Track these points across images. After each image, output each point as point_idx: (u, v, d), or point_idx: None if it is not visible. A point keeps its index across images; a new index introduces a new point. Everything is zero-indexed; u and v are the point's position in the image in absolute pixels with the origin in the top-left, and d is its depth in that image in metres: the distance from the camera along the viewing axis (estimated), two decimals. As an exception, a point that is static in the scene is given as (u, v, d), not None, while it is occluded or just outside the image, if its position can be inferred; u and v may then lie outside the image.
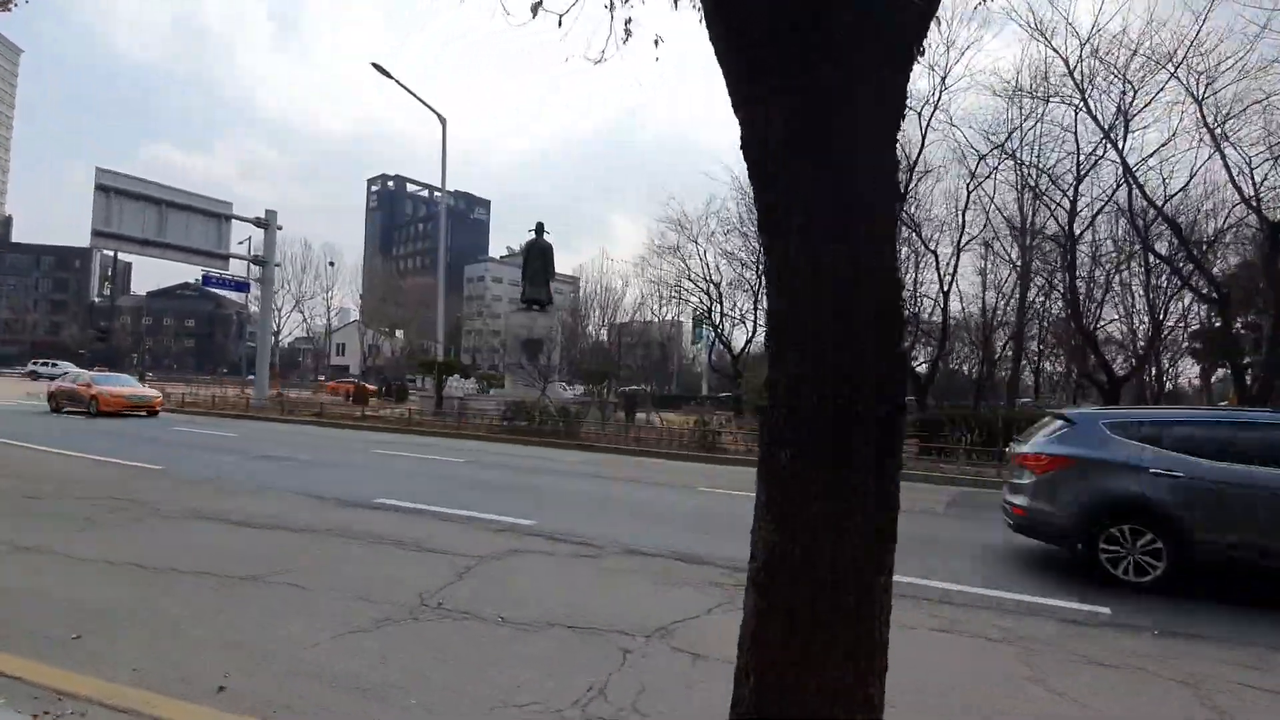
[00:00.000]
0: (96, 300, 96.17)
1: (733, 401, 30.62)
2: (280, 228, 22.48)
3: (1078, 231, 16.27)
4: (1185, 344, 27.69)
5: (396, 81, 19.69)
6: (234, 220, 21.63)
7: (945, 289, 16.65)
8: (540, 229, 31.48)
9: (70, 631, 4.31)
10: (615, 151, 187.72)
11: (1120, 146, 13.97)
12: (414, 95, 20.31)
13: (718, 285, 31.53)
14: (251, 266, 23.93)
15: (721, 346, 31.43)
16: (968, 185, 16.17)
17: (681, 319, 62.65)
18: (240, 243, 25.41)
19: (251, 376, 78.08)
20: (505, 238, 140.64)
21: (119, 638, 4.26)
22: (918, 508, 10.43)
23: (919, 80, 16.52)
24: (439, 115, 20.90)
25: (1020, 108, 16.05)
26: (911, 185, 16.14)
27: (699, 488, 11.36)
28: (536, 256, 31.13)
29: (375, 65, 19.27)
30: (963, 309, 22.08)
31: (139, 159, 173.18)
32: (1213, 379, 34.09)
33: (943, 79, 15.83)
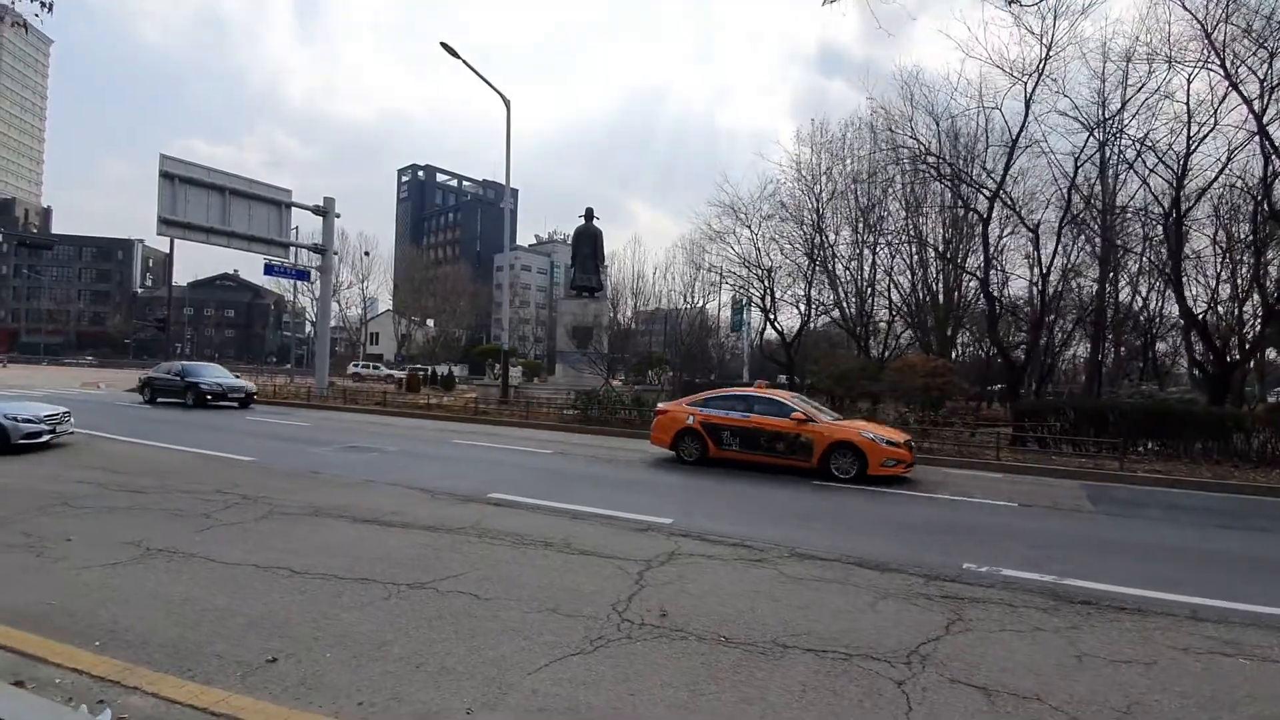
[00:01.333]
0: (139, 291, 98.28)
1: (789, 388, 29.83)
2: (339, 215, 22.23)
3: (1184, 208, 15.12)
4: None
5: (464, 61, 19.15)
6: (293, 208, 21.40)
7: (1045, 270, 15.63)
8: (590, 215, 30.92)
9: (259, 653, 3.85)
10: (630, 137, 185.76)
11: (1263, 117, 12.79)
12: (480, 76, 19.80)
13: (769, 270, 30.59)
14: (308, 254, 23.74)
15: (774, 332, 30.57)
16: (1076, 159, 15.09)
17: (708, 306, 61.82)
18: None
19: (289, 366, 78.94)
20: (530, 225, 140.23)
21: (318, 660, 3.79)
22: (1062, 503, 9.69)
23: (1014, 48, 15.28)
24: (503, 97, 20.36)
25: (1125, 77, 14.85)
26: (1013, 160, 15.08)
27: (812, 480, 10.73)
28: (586, 242, 30.63)
29: (444, 45, 18.75)
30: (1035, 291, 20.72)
31: (169, 151, 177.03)
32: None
33: (1048, 49, 14.64)
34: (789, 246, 29.14)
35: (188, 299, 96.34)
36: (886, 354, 28.12)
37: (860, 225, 27.55)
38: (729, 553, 6.34)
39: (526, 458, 12.66)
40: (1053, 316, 16.24)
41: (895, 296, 28.30)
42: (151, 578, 5.16)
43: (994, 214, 16.14)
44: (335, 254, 22.93)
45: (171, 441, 13.19)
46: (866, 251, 28.13)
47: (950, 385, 15.55)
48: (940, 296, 24.34)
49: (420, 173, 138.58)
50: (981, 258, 16.56)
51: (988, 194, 15.58)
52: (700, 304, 67.14)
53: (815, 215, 27.74)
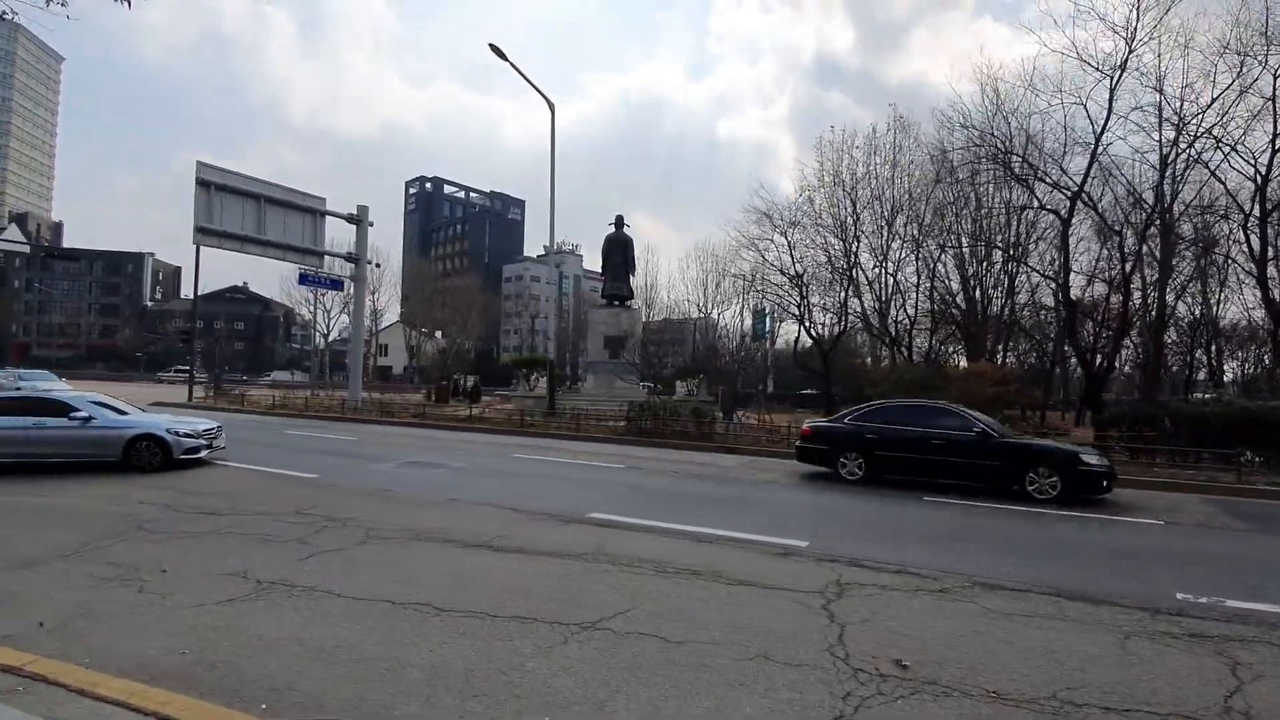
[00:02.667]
0: (149, 304, 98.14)
1: (824, 398, 29.14)
2: (371, 224, 21.69)
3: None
4: None
5: (510, 64, 18.71)
6: (326, 216, 20.87)
7: (1128, 271, 14.89)
8: (620, 222, 30.38)
9: (462, 716, 3.21)
10: (630, 147, 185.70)
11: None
12: (526, 79, 19.33)
13: (801, 277, 30.00)
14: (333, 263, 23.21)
15: (809, 340, 29.92)
16: (1164, 156, 14.32)
17: (723, 315, 61.35)
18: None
19: (300, 376, 78.40)
20: (536, 235, 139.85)
21: (542, 729, 3.14)
22: (1210, 521, 8.99)
23: (1101, 41, 14.60)
24: (548, 101, 19.88)
25: (1215, 72, 14.14)
26: (1095, 159, 14.39)
27: (924, 497, 10.05)
28: (617, 250, 30.07)
29: (492, 46, 18.27)
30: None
31: (172, 167, 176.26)
32: None
33: (1128, 43, 13.98)
34: (823, 255, 28.61)
35: (199, 312, 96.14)
36: (921, 361, 27.46)
37: (888, 231, 27.02)
38: (900, 581, 5.67)
39: (600, 473, 12.00)
40: (1143, 321, 15.37)
41: (931, 303, 27.70)
42: (281, 617, 4.51)
43: (1074, 215, 15.52)
44: (369, 263, 22.35)
45: (218, 457, 12.57)
46: (907, 256, 27.56)
47: (1020, 394, 14.86)
48: (987, 303, 23.69)
49: (428, 184, 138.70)
50: (1059, 261, 15.88)
51: (1068, 194, 14.96)
52: (718, 313, 66.69)
53: (853, 220, 27.20)
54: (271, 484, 9.88)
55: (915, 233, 26.64)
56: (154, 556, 5.95)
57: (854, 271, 28.01)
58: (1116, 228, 15.20)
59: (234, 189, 18.48)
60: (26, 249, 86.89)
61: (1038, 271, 18.53)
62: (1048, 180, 14.82)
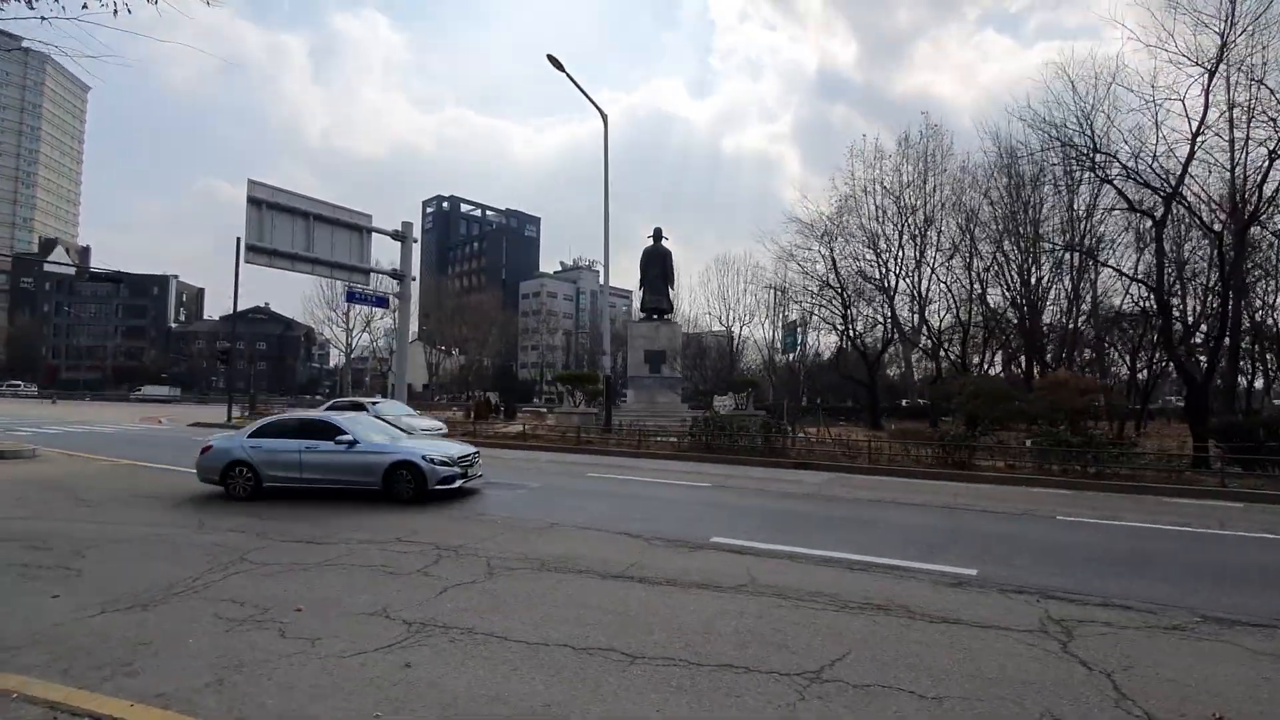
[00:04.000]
0: (174, 326, 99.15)
1: (869, 410, 28.35)
2: (416, 240, 21.46)
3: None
4: None
5: (567, 75, 18.45)
6: (372, 233, 20.65)
7: (1227, 274, 14.02)
8: (659, 234, 29.94)
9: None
10: (635, 164, 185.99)
11: None
12: (581, 90, 19.09)
13: (844, 288, 29.45)
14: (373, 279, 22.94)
15: (855, 352, 29.20)
16: (1272, 152, 13.56)
17: (739, 328, 60.85)
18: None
19: (318, 396, 78.37)
20: (548, 252, 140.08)
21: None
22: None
23: (1200, 35, 13.85)
24: (601, 112, 19.61)
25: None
26: (1193, 156, 13.64)
27: (1056, 515, 9.38)
28: (655, 264, 29.59)
29: (550, 58, 18.04)
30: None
31: (194, 191, 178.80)
32: None
33: (1221, 39, 13.22)
34: (862, 264, 28.03)
35: (220, 332, 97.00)
36: (974, 371, 26.68)
37: (921, 240, 26.36)
38: (1120, 617, 5.00)
39: (688, 492, 11.39)
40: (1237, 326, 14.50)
41: (969, 312, 26.95)
42: (460, 668, 3.96)
43: (1170, 215, 14.83)
44: (414, 279, 22.05)
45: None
46: (947, 263, 26.90)
47: (1110, 404, 14.12)
48: (1040, 310, 22.91)
49: (445, 203, 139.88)
50: (1154, 263, 15.10)
51: (1164, 193, 14.26)
52: (739, 326, 66.16)
53: (896, 230, 26.62)
54: (354, 508, 9.37)
55: (959, 239, 26.06)
56: (275, 593, 5.44)
57: (895, 280, 27.39)
58: (1213, 228, 14.47)
59: (284, 206, 18.24)
60: (73, 271, 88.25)
61: (1129, 276, 17.79)
62: (1141, 180, 14.15)
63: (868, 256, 28.55)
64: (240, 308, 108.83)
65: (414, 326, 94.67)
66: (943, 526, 8.73)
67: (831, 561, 6.60)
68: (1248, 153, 14.93)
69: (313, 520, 8.50)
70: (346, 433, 9.79)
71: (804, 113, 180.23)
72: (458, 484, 9.84)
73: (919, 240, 27.19)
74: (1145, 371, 20.99)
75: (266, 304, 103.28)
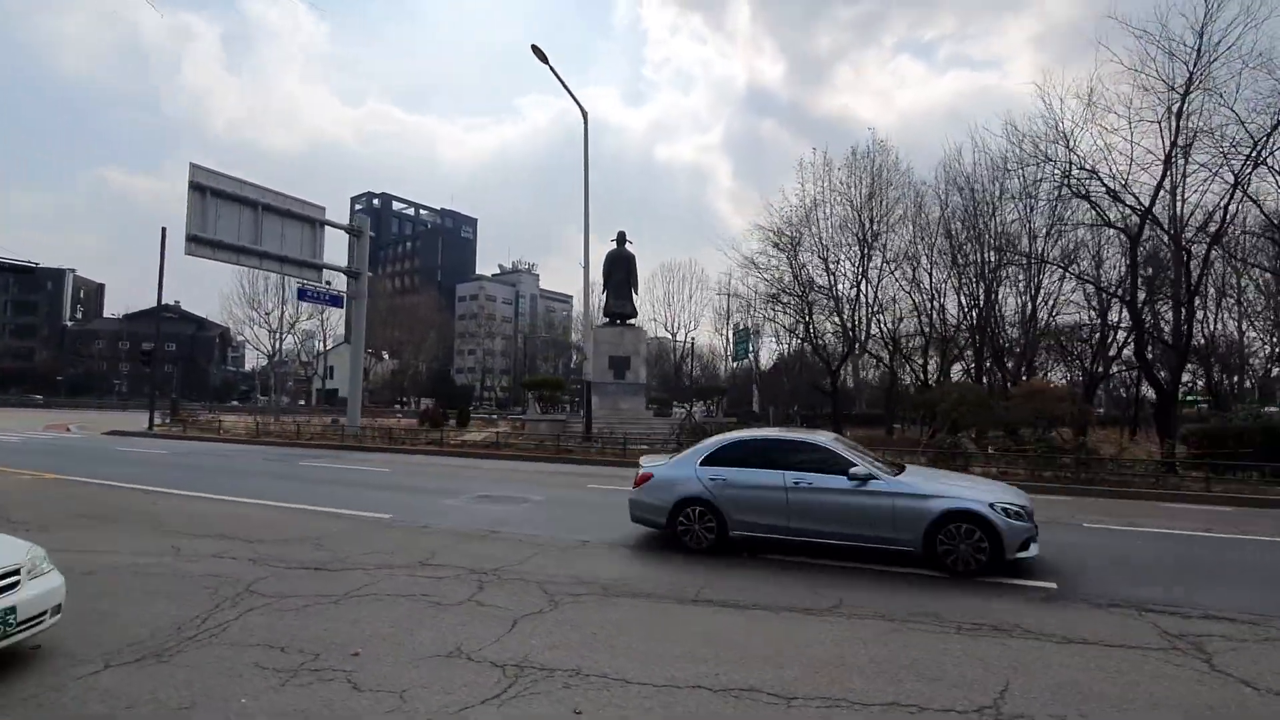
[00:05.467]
0: (69, 324, 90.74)
1: (831, 418, 28.75)
2: (374, 235, 20.11)
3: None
4: None
5: (550, 68, 17.70)
6: (325, 227, 19.11)
7: (1192, 289, 14.77)
8: (622, 238, 29.53)
9: None
10: (566, 170, 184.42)
11: None
12: (563, 85, 18.37)
13: (807, 296, 29.77)
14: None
15: (818, 359, 29.62)
16: (1237, 175, 14.41)
17: (684, 335, 61.62)
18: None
19: (235, 403, 73.17)
20: (483, 254, 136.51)
21: None
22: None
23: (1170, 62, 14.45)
24: (581, 108, 18.94)
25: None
26: (1166, 175, 14.40)
27: (1083, 524, 9.47)
28: (619, 267, 29.16)
29: (534, 48, 17.19)
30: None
31: (78, 183, 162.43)
32: None
33: (1189, 67, 13.86)
34: (817, 275, 28.52)
35: (125, 331, 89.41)
36: (930, 381, 27.63)
37: (875, 251, 27.17)
38: (1237, 631, 4.87)
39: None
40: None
41: (929, 321, 27.95)
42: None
43: (1143, 233, 15.67)
44: (371, 276, 20.70)
45: (244, 494, 10.93)
46: (905, 273, 27.74)
47: (1087, 412, 14.77)
48: (1000, 321, 23.93)
49: (376, 200, 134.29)
50: (1126, 277, 15.94)
51: (1139, 211, 15.07)
52: (684, 332, 66.61)
53: (858, 240, 27.26)
54: (355, 529, 8.42)
55: (911, 250, 26.99)
56: (314, 632, 4.65)
57: (848, 289, 28.00)
58: (1183, 246, 15.41)
59: (230, 195, 16.60)
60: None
61: (1106, 290, 18.68)
62: (1121, 200, 14.96)
63: (817, 265, 29.06)
64: (148, 305, 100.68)
65: (340, 328, 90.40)
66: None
67: (895, 575, 6.33)
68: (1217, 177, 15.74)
69: (314, 541, 7.57)
70: (856, 464, 6.76)
71: (735, 125, 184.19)
72: (1033, 550, 6.40)
73: (866, 251, 27.93)
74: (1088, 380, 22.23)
75: (177, 302, 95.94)
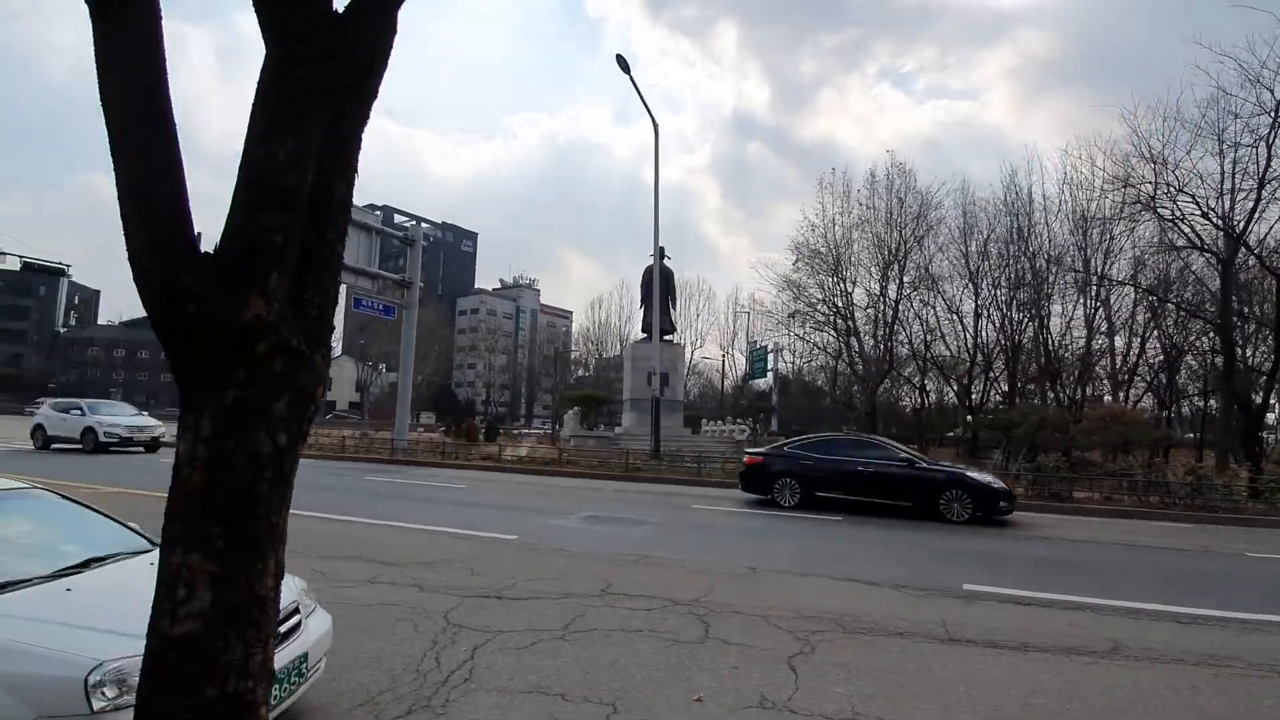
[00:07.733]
0: (62, 330, 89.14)
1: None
2: (426, 244, 19.66)
3: None
4: None
5: (631, 79, 17.51)
6: (380, 234, 18.60)
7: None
8: (662, 253, 29.25)
9: None
10: (554, 189, 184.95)
11: None
12: (640, 96, 18.20)
13: (851, 317, 29.41)
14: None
15: (855, 379, 29.33)
16: None
17: (691, 353, 61.14)
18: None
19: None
20: (482, 270, 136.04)
21: None
22: None
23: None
24: (654, 120, 18.79)
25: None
26: (1260, 198, 14.37)
27: (1245, 553, 9.22)
28: (659, 282, 28.85)
29: (619, 58, 17.04)
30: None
31: (67, 190, 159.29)
32: None
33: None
34: (862, 295, 28.37)
35: (120, 340, 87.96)
36: (972, 403, 27.43)
37: (893, 272, 26.98)
38: None
39: (815, 526, 10.50)
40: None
41: (970, 341, 27.78)
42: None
43: (1236, 257, 15.60)
44: (422, 286, 20.22)
45: (341, 512, 10.26)
46: (966, 297, 27.45)
47: (1167, 435, 14.59)
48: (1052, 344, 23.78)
49: (377, 211, 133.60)
50: (1219, 303, 15.81)
51: (1233, 235, 15.03)
52: (692, 350, 66.35)
53: (897, 260, 27.17)
54: (482, 549, 7.90)
55: (951, 273, 26.90)
56: (577, 677, 4.16)
57: (898, 310, 27.84)
58: (1275, 271, 15.32)
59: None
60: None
61: (1198, 314, 18.45)
62: (1211, 220, 14.91)
63: (859, 284, 28.90)
64: (140, 314, 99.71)
65: (340, 340, 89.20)
66: (1124, 561, 8.34)
67: (1137, 613, 5.94)
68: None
69: (463, 564, 7.03)
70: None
71: (722, 147, 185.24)
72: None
73: (899, 272, 27.82)
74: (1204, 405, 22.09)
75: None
